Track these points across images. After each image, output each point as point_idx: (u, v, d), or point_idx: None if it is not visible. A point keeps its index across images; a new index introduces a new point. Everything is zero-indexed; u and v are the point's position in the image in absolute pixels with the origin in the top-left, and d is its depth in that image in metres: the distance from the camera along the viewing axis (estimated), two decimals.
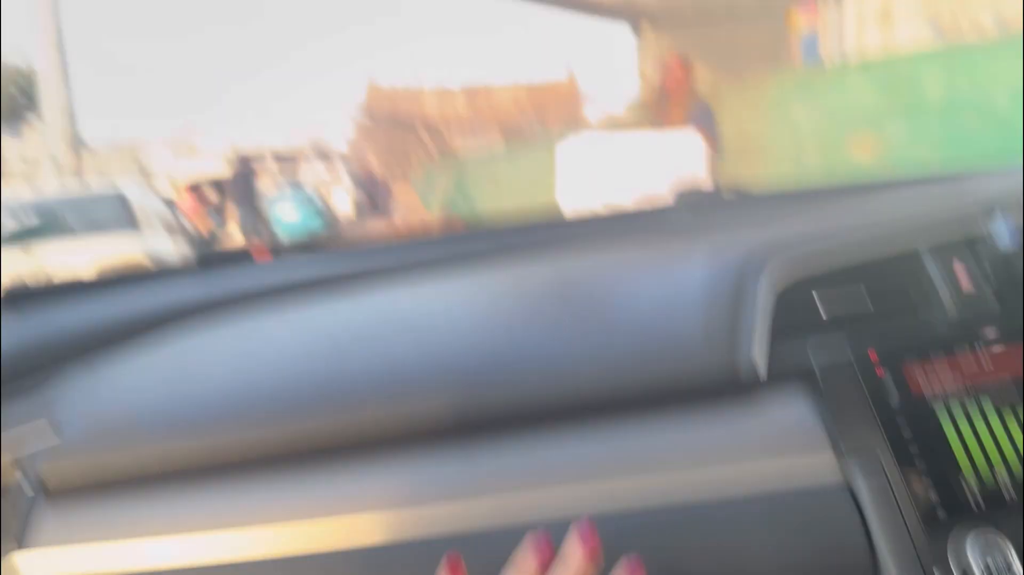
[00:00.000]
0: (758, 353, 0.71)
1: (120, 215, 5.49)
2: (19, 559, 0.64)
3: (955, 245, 0.77)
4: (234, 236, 9.51)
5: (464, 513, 0.64)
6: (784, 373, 0.71)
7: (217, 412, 0.70)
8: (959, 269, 0.76)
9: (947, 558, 0.60)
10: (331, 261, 1.15)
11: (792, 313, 0.75)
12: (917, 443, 0.65)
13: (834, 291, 0.76)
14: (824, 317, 0.75)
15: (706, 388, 0.70)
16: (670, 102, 3.47)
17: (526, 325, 0.79)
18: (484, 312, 0.87)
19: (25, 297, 1.02)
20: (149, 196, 6.06)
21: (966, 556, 0.60)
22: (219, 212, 12.93)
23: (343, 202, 22.98)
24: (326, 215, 17.79)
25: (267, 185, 13.00)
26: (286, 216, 16.00)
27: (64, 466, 0.69)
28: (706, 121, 3.44)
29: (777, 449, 0.66)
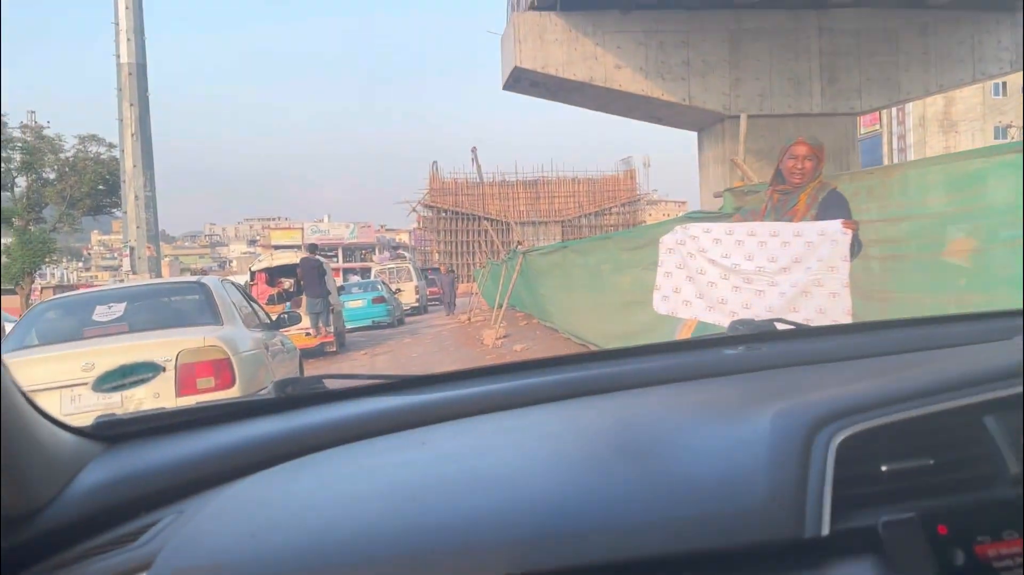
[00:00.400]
0: (824, 520, 0.72)
1: (201, 307, 5.58)
2: None
3: (1012, 407, 0.79)
4: (303, 322, 9.65)
5: None
6: (853, 541, 0.72)
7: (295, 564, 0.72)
8: (1020, 426, 0.77)
9: None
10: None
11: (859, 481, 0.76)
12: None
13: (901, 461, 0.77)
14: (891, 488, 0.76)
15: (770, 551, 0.71)
16: (797, 190, 3.28)
17: (589, 476, 0.81)
18: (547, 458, 0.88)
19: (115, 426, 1.05)
20: (226, 286, 6.12)
21: None
22: (290, 297, 13.38)
23: (408, 291, 23.61)
24: (391, 303, 18.32)
25: (333, 275, 13.30)
26: (351, 303, 16.49)
27: None
28: (841, 209, 3.19)
29: None
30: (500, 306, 14.12)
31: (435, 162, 39.14)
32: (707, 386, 1.14)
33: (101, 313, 5.57)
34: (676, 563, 0.72)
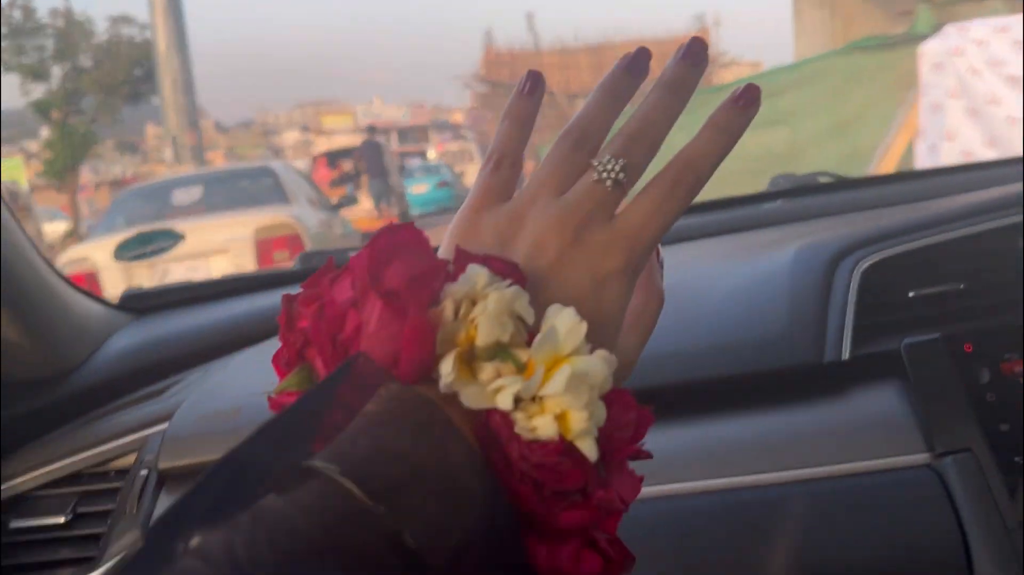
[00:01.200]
0: (845, 344, 0.71)
1: (271, 189, 6.08)
2: None
3: None
4: (365, 207, 9.68)
5: None
6: (876, 365, 0.70)
7: None
8: None
9: None
10: None
11: (883, 308, 0.75)
12: (1017, 438, 0.63)
13: (928, 286, 0.75)
14: (914, 312, 0.74)
15: (793, 378, 0.71)
16: None
17: None
18: None
19: (143, 299, 1.09)
20: (291, 171, 6.77)
21: None
22: (352, 181, 12.86)
23: (471, 174, 21.95)
24: (455, 187, 17.27)
25: (395, 158, 12.95)
26: (415, 188, 15.75)
27: (178, 455, 0.74)
28: None
29: (864, 439, 0.66)
30: None
31: (488, 31, 35.84)
32: (741, 237, 1.11)
33: (181, 197, 6.18)
34: (696, 390, 0.72)
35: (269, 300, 1.04)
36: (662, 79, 0.41)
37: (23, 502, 0.82)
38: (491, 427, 0.32)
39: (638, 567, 0.63)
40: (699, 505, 0.65)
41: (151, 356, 0.94)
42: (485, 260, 0.34)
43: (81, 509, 0.80)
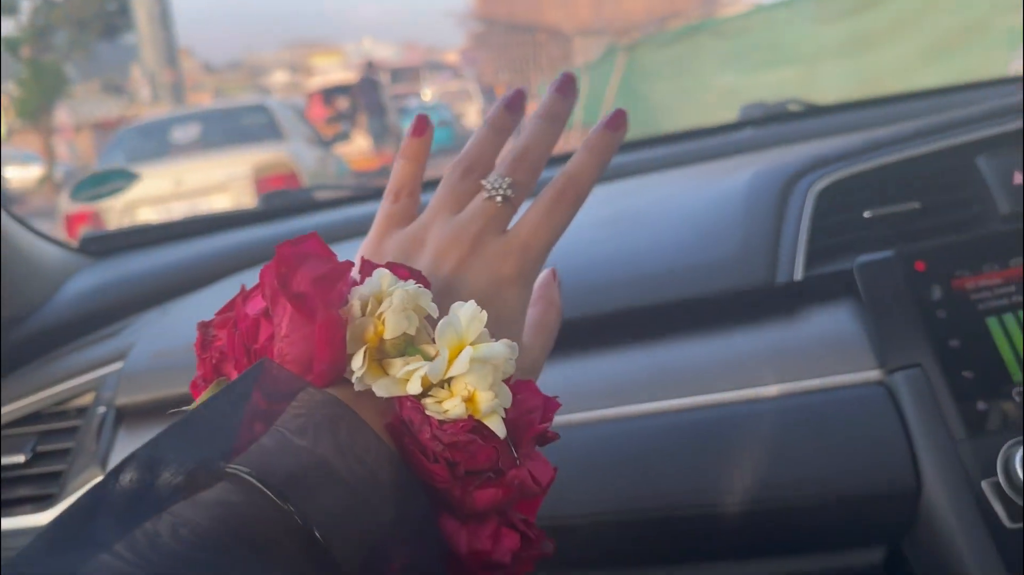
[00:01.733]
0: (798, 264, 0.70)
1: (266, 126, 6.18)
2: None
3: (1006, 146, 0.75)
4: (361, 146, 9.47)
5: None
6: (828, 286, 0.70)
7: None
8: (1011, 165, 0.73)
9: (996, 471, 0.59)
10: None
11: (838, 228, 0.74)
12: (966, 354, 0.64)
13: (881, 204, 0.74)
14: (871, 232, 0.74)
15: (747, 300, 0.71)
16: None
17: (570, 243, 0.80)
18: None
19: (102, 241, 1.08)
20: (285, 108, 6.88)
21: (1014, 466, 0.59)
22: (348, 119, 12.49)
23: (471, 115, 20.58)
24: (455, 126, 16.51)
25: (391, 97, 12.41)
26: None
27: (135, 391, 0.74)
28: None
29: (817, 357, 0.66)
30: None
31: None
32: (707, 166, 1.11)
33: (179, 135, 6.29)
34: (651, 314, 0.72)
35: (229, 240, 1.03)
36: (539, 111, 0.47)
37: None
38: (403, 415, 0.33)
39: (595, 485, 0.64)
40: (655, 425, 0.65)
41: (109, 297, 0.93)
42: (389, 267, 0.36)
43: (41, 448, 0.80)
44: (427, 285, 0.37)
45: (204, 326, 0.38)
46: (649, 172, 1.14)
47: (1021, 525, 0.58)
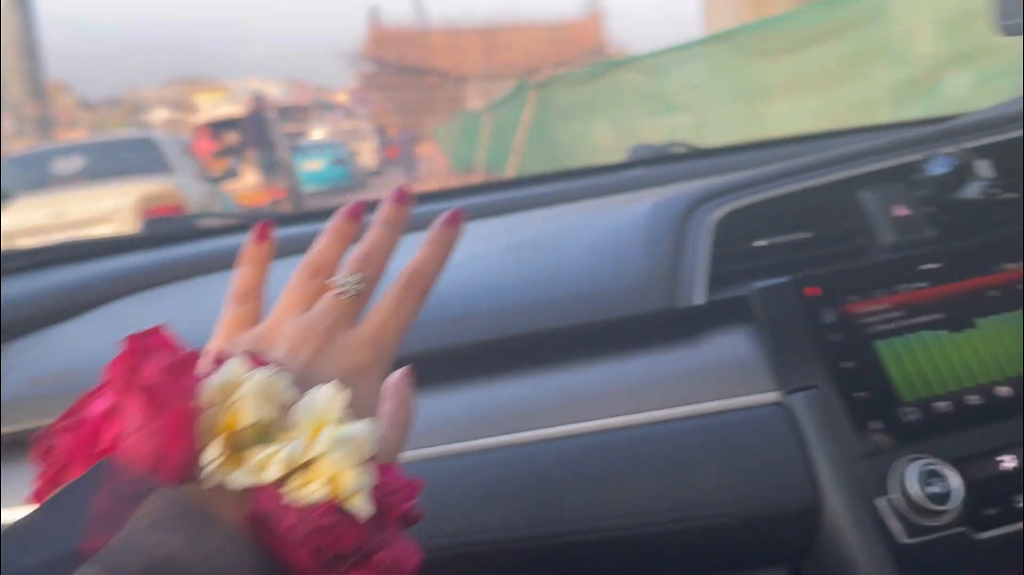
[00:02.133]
0: (698, 290, 0.72)
1: (152, 159, 6.13)
2: None
3: (890, 179, 0.79)
4: (250, 181, 9.18)
5: (421, 443, 0.65)
6: (728, 310, 0.72)
7: None
8: (894, 198, 0.77)
9: (888, 486, 0.61)
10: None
11: (735, 256, 0.76)
12: (858, 375, 0.66)
13: (775, 235, 0.77)
14: (765, 260, 0.76)
15: (650, 325, 0.72)
16: None
17: (466, 270, 0.80)
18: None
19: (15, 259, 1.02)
20: (171, 141, 6.79)
21: (907, 483, 0.61)
22: (236, 153, 11.76)
23: (366, 153, 20.99)
24: (350, 164, 16.60)
25: (281, 133, 11.98)
26: (309, 164, 14.58)
27: (11, 420, 0.69)
28: None
29: (717, 380, 0.67)
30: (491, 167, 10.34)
31: (374, 7, 33.53)
32: (604, 201, 1.13)
33: (61, 166, 6.25)
34: (554, 339, 0.72)
35: (111, 265, 0.98)
36: (379, 217, 0.49)
37: None
38: (262, 504, 0.32)
39: (502, 510, 0.63)
40: (560, 449, 0.65)
41: None
42: (243, 356, 0.36)
43: None
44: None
45: (43, 435, 0.36)
46: (548, 206, 1.15)
47: (916, 540, 0.60)
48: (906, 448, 0.63)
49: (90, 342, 0.77)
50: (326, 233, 0.49)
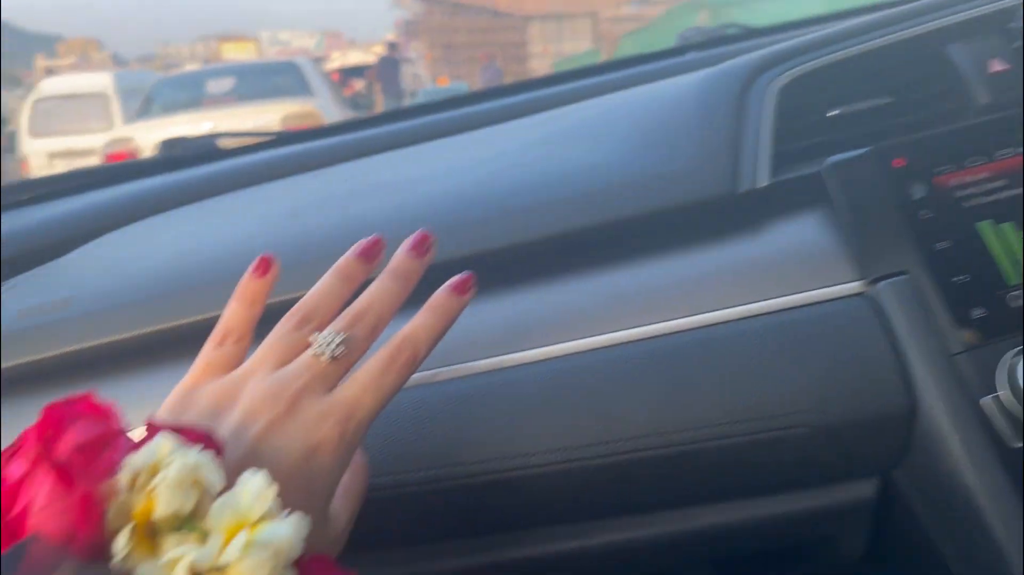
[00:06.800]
0: (762, 170, 0.62)
1: (296, 83, 6.66)
2: None
3: (985, 29, 0.67)
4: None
5: (460, 357, 0.58)
6: (797, 192, 0.63)
7: (162, 290, 0.64)
8: (990, 51, 0.66)
9: (995, 382, 0.53)
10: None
11: (803, 130, 0.67)
12: (955, 257, 0.56)
13: (850, 102, 0.67)
14: (839, 132, 0.66)
15: (707, 213, 0.63)
16: None
17: (493, 169, 0.71)
18: (470, 162, 0.78)
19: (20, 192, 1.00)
20: (314, 68, 7.29)
21: (1018, 378, 0.52)
22: (366, 99, 12.69)
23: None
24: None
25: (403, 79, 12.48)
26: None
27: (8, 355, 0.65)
28: None
29: (788, 272, 0.58)
30: None
31: None
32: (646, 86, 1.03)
33: (214, 86, 6.74)
34: (602, 234, 0.64)
35: (126, 190, 0.92)
36: (390, 267, 0.46)
37: None
38: None
39: (550, 427, 0.55)
40: (608, 359, 0.57)
41: None
42: (177, 429, 0.33)
43: None
44: (218, 449, 0.34)
45: None
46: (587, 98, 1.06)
47: None
48: (1016, 339, 0.54)
49: (87, 271, 0.71)
50: (329, 273, 0.45)
